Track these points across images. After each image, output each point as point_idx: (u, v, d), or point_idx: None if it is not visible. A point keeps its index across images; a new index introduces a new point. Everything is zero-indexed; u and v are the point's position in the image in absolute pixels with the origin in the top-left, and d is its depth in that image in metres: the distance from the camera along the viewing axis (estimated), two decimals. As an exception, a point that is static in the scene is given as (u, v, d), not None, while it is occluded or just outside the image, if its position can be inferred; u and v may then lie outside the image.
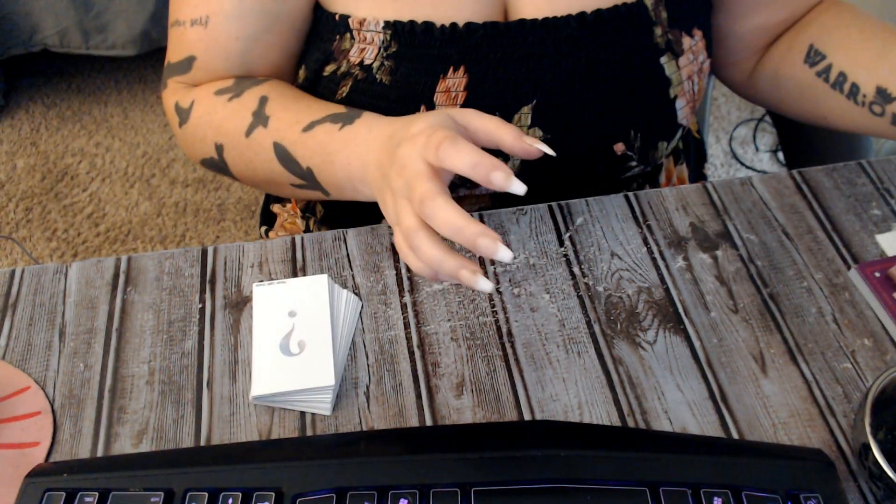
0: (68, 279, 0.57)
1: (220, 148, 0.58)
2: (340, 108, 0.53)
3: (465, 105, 0.57)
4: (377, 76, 0.57)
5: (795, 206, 0.61)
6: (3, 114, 1.78)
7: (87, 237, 1.55)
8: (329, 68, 0.59)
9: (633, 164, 0.62)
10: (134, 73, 1.88)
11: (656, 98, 0.60)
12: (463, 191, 0.63)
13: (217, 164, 0.59)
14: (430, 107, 0.57)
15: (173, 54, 0.61)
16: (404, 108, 0.56)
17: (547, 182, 0.62)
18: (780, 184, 0.63)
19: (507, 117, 0.57)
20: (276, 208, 0.81)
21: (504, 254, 0.39)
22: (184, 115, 0.59)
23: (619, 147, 0.60)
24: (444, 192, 0.40)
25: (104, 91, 1.85)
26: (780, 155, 1.72)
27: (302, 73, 0.63)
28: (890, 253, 0.58)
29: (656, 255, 0.58)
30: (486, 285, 0.40)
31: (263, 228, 0.83)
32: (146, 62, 1.89)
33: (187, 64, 0.59)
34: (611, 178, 0.64)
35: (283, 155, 0.53)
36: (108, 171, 1.67)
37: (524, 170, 0.61)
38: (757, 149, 1.73)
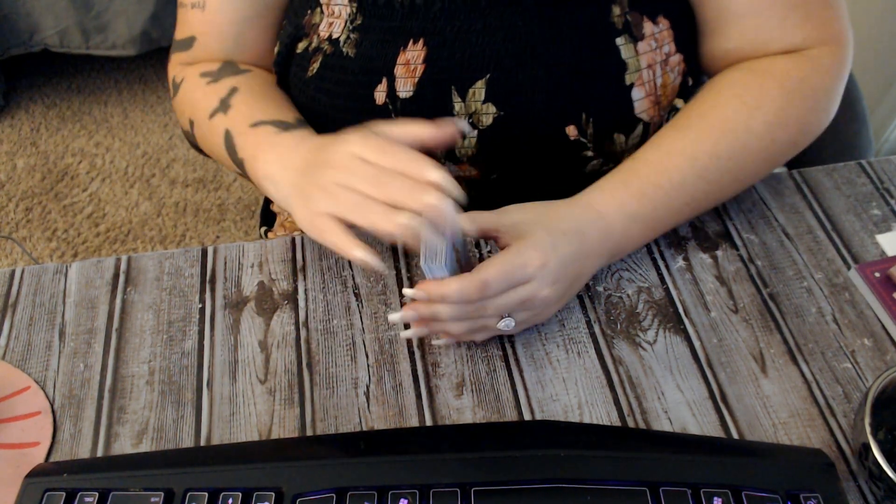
0: (68, 279, 0.57)
1: (192, 123, 0.63)
2: (290, 118, 0.57)
3: (423, 79, 0.57)
4: (343, 49, 0.58)
5: (795, 206, 0.61)
6: (3, 114, 1.78)
7: (87, 237, 1.55)
8: (301, 45, 0.61)
9: (590, 154, 0.60)
10: (134, 73, 1.88)
11: (610, 82, 0.58)
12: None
13: (190, 137, 0.65)
14: (391, 80, 0.57)
15: (178, 32, 0.66)
16: (367, 81, 0.58)
17: (505, 166, 0.61)
18: (780, 184, 0.63)
19: (463, 91, 0.57)
20: (276, 208, 0.81)
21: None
22: (175, 89, 0.65)
23: (571, 130, 0.58)
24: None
25: (104, 91, 1.85)
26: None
27: (276, 48, 0.65)
28: (890, 253, 0.58)
29: (656, 255, 0.58)
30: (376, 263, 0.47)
31: (263, 229, 0.83)
32: (146, 62, 1.89)
33: (188, 43, 0.64)
34: (570, 168, 0.62)
35: (229, 142, 0.58)
36: (108, 171, 1.67)
37: (483, 152, 0.60)
38: (757, 149, 1.72)
